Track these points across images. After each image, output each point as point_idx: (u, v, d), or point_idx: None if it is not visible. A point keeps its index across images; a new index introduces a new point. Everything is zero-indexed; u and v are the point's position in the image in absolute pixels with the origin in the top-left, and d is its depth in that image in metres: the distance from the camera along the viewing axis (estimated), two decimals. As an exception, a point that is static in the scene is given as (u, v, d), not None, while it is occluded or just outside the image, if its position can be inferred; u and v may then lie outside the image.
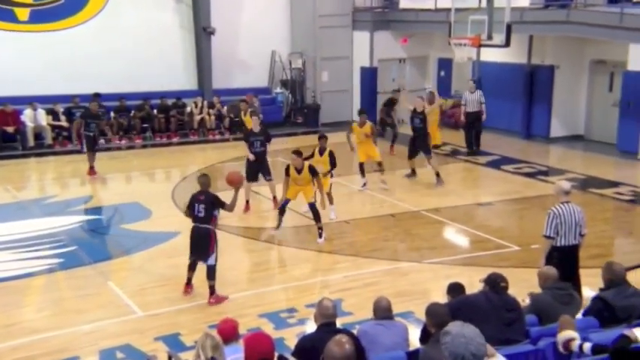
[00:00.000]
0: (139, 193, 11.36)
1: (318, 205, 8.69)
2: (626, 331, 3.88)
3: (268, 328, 6.11)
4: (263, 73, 17.72)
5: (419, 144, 11.41)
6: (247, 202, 10.00)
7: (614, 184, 11.46)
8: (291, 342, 5.24)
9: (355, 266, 7.84)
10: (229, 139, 15.43)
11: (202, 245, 6.75)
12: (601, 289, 4.88)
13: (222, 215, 9.87)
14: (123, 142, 15.23)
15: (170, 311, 6.67)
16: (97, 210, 10.68)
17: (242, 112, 12.20)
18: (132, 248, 8.63)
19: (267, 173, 10.11)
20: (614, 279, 4.73)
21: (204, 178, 6.96)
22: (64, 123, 14.80)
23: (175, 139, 15.72)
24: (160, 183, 12.74)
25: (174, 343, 5.97)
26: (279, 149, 14.02)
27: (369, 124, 11.03)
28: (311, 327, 5.17)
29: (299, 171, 8.57)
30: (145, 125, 15.54)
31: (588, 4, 13.57)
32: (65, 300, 7.09)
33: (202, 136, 16.01)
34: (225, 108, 16.28)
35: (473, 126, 13.83)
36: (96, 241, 9.27)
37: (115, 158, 14.08)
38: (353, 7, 17.39)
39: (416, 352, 4.16)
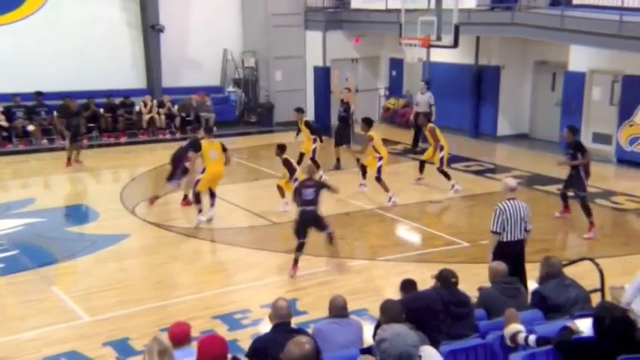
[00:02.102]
0: (86, 194, 11.02)
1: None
2: (569, 323, 4.04)
3: (222, 330, 6.03)
4: (215, 71, 17.48)
5: (341, 132, 12.09)
6: (186, 196, 9.99)
7: (558, 181, 11.89)
8: (245, 343, 5.19)
9: (309, 265, 7.84)
10: (178, 138, 15.14)
11: (317, 224, 7.60)
12: (539, 282, 5.09)
13: (172, 217, 9.81)
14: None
15: (119, 315, 6.49)
16: (40, 212, 10.24)
17: (299, 122, 11.66)
18: (78, 252, 8.35)
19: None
20: (551, 271, 4.95)
21: (310, 167, 8.07)
22: (3, 123, 14.16)
23: (123, 139, 15.32)
24: (107, 184, 12.37)
25: (123, 348, 5.80)
26: (231, 149, 13.85)
27: (430, 126, 11.05)
28: (265, 327, 5.12)
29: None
30: (91, 125, 15.06)
31: (531, 7, 14.04)
32: (6, 306, 6.78)
33: (152, 136, 15.65)
34: (176, 107, 15.96)
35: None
36: (39, 244, 8.89)
37: (60, 159, 13.53)
38: (305, 7, 17.38)
39: (369, 349, 4.18)
